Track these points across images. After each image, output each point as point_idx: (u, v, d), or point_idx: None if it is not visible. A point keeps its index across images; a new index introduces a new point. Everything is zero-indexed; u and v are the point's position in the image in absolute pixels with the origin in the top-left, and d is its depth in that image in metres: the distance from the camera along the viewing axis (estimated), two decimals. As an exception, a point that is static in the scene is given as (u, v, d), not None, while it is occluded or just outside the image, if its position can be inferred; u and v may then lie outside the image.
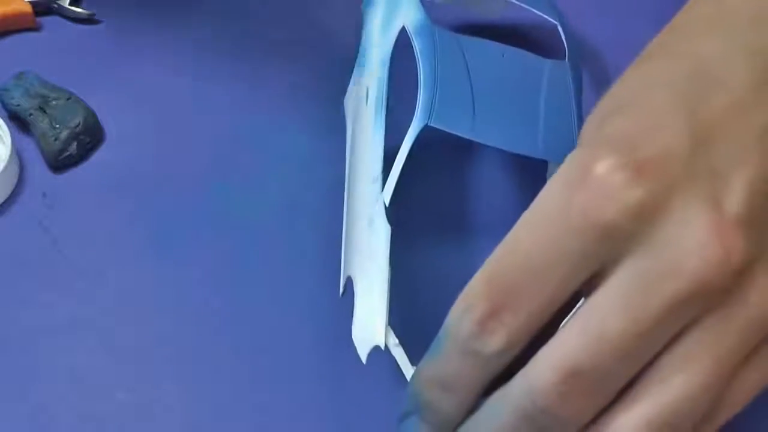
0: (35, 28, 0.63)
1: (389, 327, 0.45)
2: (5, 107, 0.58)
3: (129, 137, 0.58)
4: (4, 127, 0.56)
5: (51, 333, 0.51)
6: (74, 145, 0.56)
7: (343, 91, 0.57)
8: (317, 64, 0.62)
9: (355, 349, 0.46)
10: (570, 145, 0.43)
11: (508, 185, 0.57)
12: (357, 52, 0.55)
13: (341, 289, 0.50)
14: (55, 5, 0.63)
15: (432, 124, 0.48)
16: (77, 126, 0.56)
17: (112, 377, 0.50)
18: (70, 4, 0.63)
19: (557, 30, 0.55)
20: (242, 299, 0.53)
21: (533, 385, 0.35)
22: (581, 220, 0.35)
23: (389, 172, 0.47)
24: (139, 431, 0.49)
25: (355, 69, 0.55)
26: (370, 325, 0.45)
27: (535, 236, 0.35)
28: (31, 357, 0.51)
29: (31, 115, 0.57)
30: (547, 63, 0.52)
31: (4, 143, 0.56)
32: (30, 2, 0.62)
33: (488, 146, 0.49)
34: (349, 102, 0.55)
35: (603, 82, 0.60)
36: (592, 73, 0.61)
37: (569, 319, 0.36)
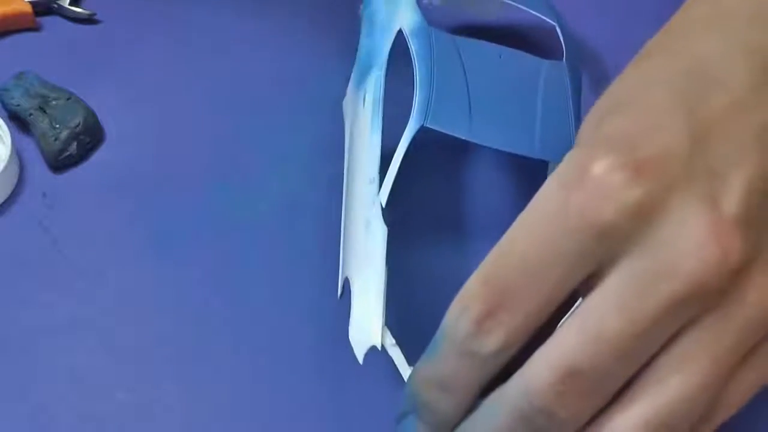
0: (35, 28, 0.63)
1: (386, 327, 0.45)
2: (5, 107, 0.58)
3: (129, 137, 0.58)
4: (4, 127, 0.56)
5: (51, 333, 0.51)
6: (74, 145, 0.56)
7: (344, 91, 0.57)
8: (318, 63, 0.62)
9: (353, 349, 0.46)
10: (567, 145, 0.43)
11: (504, 186, 0.57)
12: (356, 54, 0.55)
13: (339, 291, 0.50)
14: (55, 5, 0.63)
15: (428, 125, 0.48)
16: (77, 126, 0.56)
17: (112, 377, 0.50)
18: (70, 4, 0.63)
19: (555, 31, 0.55)
20: (242, 299, 0.53)
21: (530, 386, 0.35)
22: (578, 220, 0.34)
23: (386, 174, 0.47)
24: (139, 431, 0.49)
25: (353, 73, 0.55)
26: (367, 325, 0.45)
27: (532, 237, 0.35)
28: (31, 357, 0.51)
29: (31, 115, 0.57)
30: (545, 63, 0.52)
31: (4, 143, 0.56)
32: (30, 2, 0.62)
33: (485, 147, 0.49)
34: (348, 105, 0.56)
35: (602, 82, 0.60)
36: (591, 74, 0.61)
37: (567, 319, 0.36)
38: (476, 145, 0.49)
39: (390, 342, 0.45)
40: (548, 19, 0.56)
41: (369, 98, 0.51)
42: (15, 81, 0.58)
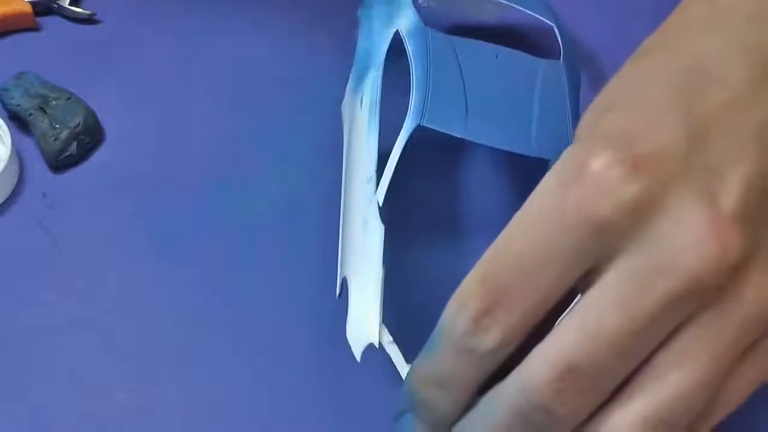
0: (35, 28, 0.63)
1: (383, 325, 0.45)
2: (5, 107, 0.58)
3: (129, 137, 0.59)
4: (4, 127, 0.56)
5: (51, 333, 0.51)
6: (74, 145, 0.56)
7: (344, 91, 0.57)
8: (318, 64, 0.62)
9: (351, 347, 0.46)
10: (564, 143, 0.43)
11: (501, 185, 0.57)
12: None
13: (338, 290, 0.50)
14: (55, 5, 0.63)
15: (424, 124, 0.48)
16: (77, 126, 0.56)
17: (112, 377, 0.50)
18: (70, 4, 0.63)
19: (553, 31, 0.55)
20: (242, 299, 0.53)
21: (528, 383, 0.35)
22: (576, 216, 0.34)
23: (383, 173, 0.48)
24: (139, 431, 0.49)
25: (351, 74, 0.55)
26: (364, 323, 0.45)
27: (529, 234, 0.35)
28: (31, 357, 0.51)
29: (31, 115, 0.57)
30: (542, 63, 0.52)
31: (4, 143, 0.56)
32: (30, 2, 0.62)
33: (481, 146, 0.49)
34: (346, 107, 0.56)
35: (600, 81, 0.60)
36: (590, 73, 0.61)
37: (565, 316, 0.36)
38: (473, 144, 0.49)
39: (387, 340, 0.45)
40: (546, 20, 0.56)
41: (366, 99, 0.51)
42: (15, 81, 0.58)
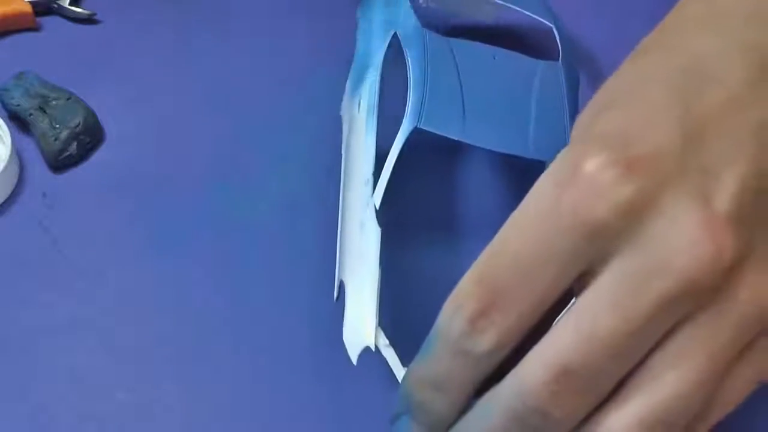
0: (35, 28, 0.63)
1: (379, 328, 0.45)
2: (5, 107, 0.58)
3: (129, 137, 0.59)
4: (4, 127, 0.56)
5: (51, 333, 0.51)
6: (74, 145, 0.56)
7: (343, 92, 0.57)
8: (318, 64, 0.62)
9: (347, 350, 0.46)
10: (561, 144, 0.43)
11: (498, 186, 0.57)
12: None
13: (335, 294, 0.50)
14: (55, 5, 0.63)
15: (422, 126, 0.48)
16: (77, 126, 0.57)
17: (112, 377, 0.50)
18: (70, 4, 0.63)
19: (552, 32, 0.55)
20: (242, 299, 0.53)
21: (524, 385, 0.35)
22: (570, 218, 0.34)
23: (380, 175, 0.48)
24: (139, 431, 0.49)
25: (349, 76, 0.55)
26: (361, 326, 0.45)
27: (525, 236, 0.35)
28: (31, 357, 0.51)
29: (31, 115, 0.57)
30: (540, 64, 0.52)
31: (4, 143, 0.56)
32: (30, 2, 0.62)
33: (478, 148, 0.49)
34: (345, 109, 0.56)
35: (600, 82, 0.59)
36: (589, 74, 0.61)
37: (561, 318, 0.36)
38: (470, 145, 0.49)
39: (384, 342, 0.45)
40: (545, 20, 0.56)
41: (364, 101, 0.51)
42: (15, 81, 0.58)
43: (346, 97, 0.56)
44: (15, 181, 0.56)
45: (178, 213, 0.56)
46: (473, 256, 0.36)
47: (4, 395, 0.49)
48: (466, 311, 0.35)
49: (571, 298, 0.36)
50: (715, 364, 0.35)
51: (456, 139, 0.48)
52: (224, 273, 0.54)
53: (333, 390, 0.50)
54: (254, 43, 0.63)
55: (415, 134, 0.48)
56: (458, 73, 0.50)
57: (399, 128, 0.48)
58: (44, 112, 0.57)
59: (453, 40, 0.51)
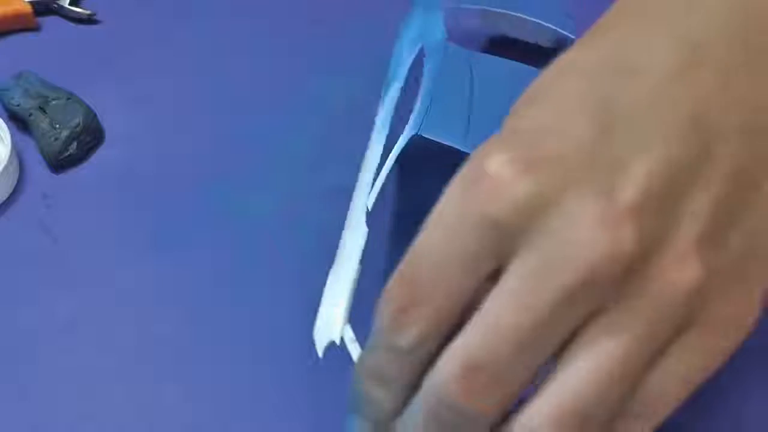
0: (35, 28, 0.63)
1: (348, 324, 0.45)
2: (5, 107, 0.58)
3: (129, 137, 0.59)
4: (4, 127, 0.56)
5: (51, 333, 0.51)
6: (74, 145, 0.56)
7: (344, 92, 0.57)
8: (319, 64, 0.62)
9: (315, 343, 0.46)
10: None
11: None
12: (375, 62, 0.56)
13: None
14: (55, 5, 0.63)
15: (421, 134, 0.48)
16: (77, 126, 0.57)
17: (112, 377, 0.50)
18: (70, 4, 0.63)
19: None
20: (242, 299, 0.53)
21: (437, 382, 0.35)
22: (473, 216, 0.35)
23: (376, 179, 0.48)
24: (139, 431, 0.49)
25: (383, 87, 0.56)
26: (330, 320, 0.46)
27: (437, 233, 0.36)
28: (31, 357, 0.51)
29: (31, 115, 0.57)
30: None
31: (4, 143, 0.56)
32: (30, 2, 0.62)
33: None
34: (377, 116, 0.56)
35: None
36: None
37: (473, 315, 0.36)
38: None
39: (349, 337, 0.45)
40: (571, 36, 0.56)
41: (382, 111, 0.51)
42: (15, 81, 0.58)
43: (379, 106, 0.56)
44: (15, 181, 0.56)
45: (178, 213, 0.56)
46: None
47: (4, 395, 0.49)
48: (391, 307, 0.36)
49: None
50: (628, 356, 0.35)
51: (457, 148, 0.48)
52: (224, 273, 0.54)
53: (335, 389, 0.50)
54: (255, 43, 0.63)
55: (423, 144, 0.48)
56: (471, 86, 0.50)
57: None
58: (44, 112, 0.57)
59: (476, 54, 0.52)
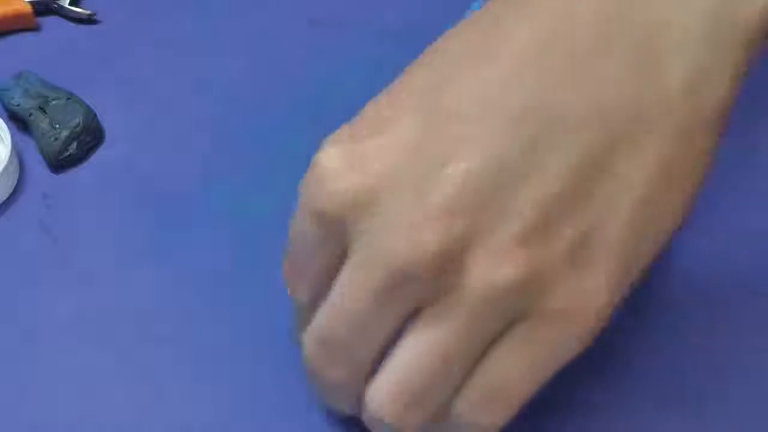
0: (35, 28, 0.63)
1: None
2: (5, 107, 0.58)
3: (129, 137, 0.59)
4: (4, 127, 0.56)
5: (51, 333, 0.51)
6: (74, 145, 0.56)
7: (344, 91, 0.57)
8: (319, 64, 0.62)
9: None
10: None
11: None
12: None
13: None
14: (55, 5, 0.63)
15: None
16: (77, 126, 0.56)
17: (112, 377, 0.50)
18: (70, 4, 0.63)
19: None
20: (242, 299, 0.53)
21: (304, 350, 0.40)
22: (306, 208, 0.37)
23: None
24: (139, 431, 0.49)
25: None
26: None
27: (294, 220, 0.39)
28: (31, 357, 0.51)
29: (31, 115, 0.57)
30: None
31: (4, 143, 0.56)
32: (30, 2, 0.62)
33: None
34: None
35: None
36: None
37: None
38: None
39: None
40: None
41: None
42: (15, 81, 0.58)
43: None
44: (15, 181, 0.56)
45: (178, 213, 0.56)
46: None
47: (5, 395, 0.49)
48: (284, 273, 0.41)
49: None
50: (450, 346, 0.36)
51: None
52: (224, 273, 0.54)
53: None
54: (254, 42, 0.63)
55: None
56: None
57: None
58: (44, 112, 0.57)
59: None
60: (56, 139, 0.56)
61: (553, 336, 0.37)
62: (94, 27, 0.63)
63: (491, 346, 0.37)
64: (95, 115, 0.58)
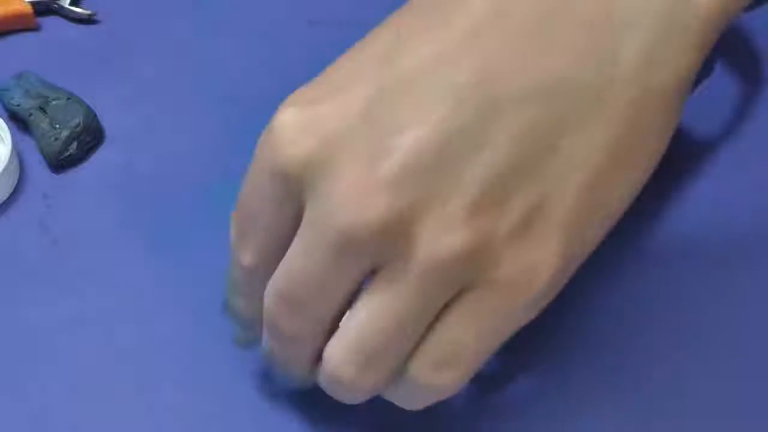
0: (35, 28, 0.63)
1: None
2: (5, 107, 0.58)
3: (129, 137, 0.59)
4: (5, 127, 0.56)
5: (51, 333, 0.51)
6: (74, 145, 0.56)
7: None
8: (319, 64, 0.62)
9: None
10: None
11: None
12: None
13: None
14: (55, 5, 0.63)
15: None
16: (77, 126, 0.56)
17: (112, 377, 0.50)
18: (70, 4, 0.63)
19: None
20: (242, 299, 0.53)
21: (265, 297, 0.40)
22: (261, 167, 0.38)
23: None
24: (139, 431, 0.49)
25: None
26: None
27: (247, 180, 0.39)
28: (31, 357, 0.51)
29: (31, 115, 0.57)
30: None
31: (4, 143, 0.56)
32: (30, 2, 0.62)
33: None
34: None
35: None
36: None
37: None
38: None
39: None
40: None
41: None
42: (15, 81, 0.58)
43: None
44: (15, 181, 0.56)
45: (178, 213, 0.56)
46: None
47: (4, 395, 0.49)
48: (233, 231, 0.41)
49: None
50: (400, 310, 0.37)
51: None
52: (224, 273, 0.54)
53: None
54: (255, 42, 0.63)
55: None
56: None
57: None
58: (44, 112, 0.57)
59: None
60: (56, 139, 0.56)
61: (499, 306, 0.37)
62: (94, 27, 0.63)
63: (443, 312, 0.38)
64: (95, 115, 0.58)
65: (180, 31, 0.63)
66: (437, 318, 0.38)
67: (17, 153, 0.57)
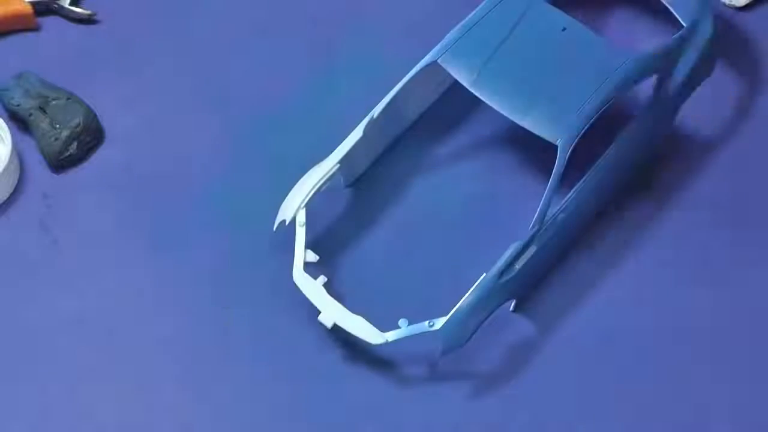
0: (35, 28, 0.63)
1: (303, 210, 0.50)
2: (5, 107, 0.58)
3: (129, 137, 0.59)
4: (5, 127, 0.56)
5: (51, 333, 0.51)
6: (74, 145, 0.56)
7: (345, 91, 0.57)
8: (318, 65, 0.62)
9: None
10: (565, 127, 0.44)
11: (509, 170, 0.57)
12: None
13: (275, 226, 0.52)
14: (55, 5, 0.63)
15: (440, 62, 0.52)
16: (77, 126, 0.56)
17: (112, 377, 0.50)
18: (70, 4, 0.63)
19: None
20: (242, 299, 0.53)
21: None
22: None
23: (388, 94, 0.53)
24: (139, 431, 0.49)
25: None
26: (291, 203, 0.51)
27: None
28: (32, 356, 0.51)
29: (31, 115, 0.57)
30: (620, 54, 0.53)
31: (4, 143, 0.56)
32: (30, 2, 0.62)
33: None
34: None
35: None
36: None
37: None
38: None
39: (300, 221, 0.50)
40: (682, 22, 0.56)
41: (433, 50, 0.54)
42: (15, 81, 0.58)
43: None
44: (15, 181, 0.56)
45: (178, 212, 0.56)
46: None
47: (5, 395, 0.49)
48: None
49: None
50: None
51: (465, 86, 0.52)
52: (224, 273, 0.54)
53: (335, 389, 0.50)
54: (254, 43, 0.63)
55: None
56: (511, 31, 0.53)
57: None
58: (44, 112, 0.57)
59: (539, 3, 0.54)
60: (56, 139, 0.56)
61: None
62: (94, 27, 0.63)
63: None
64: (95, 115, 0.58)
65: (180, 31, 0.63)
66: None
67: (17, 153, 0.57)
